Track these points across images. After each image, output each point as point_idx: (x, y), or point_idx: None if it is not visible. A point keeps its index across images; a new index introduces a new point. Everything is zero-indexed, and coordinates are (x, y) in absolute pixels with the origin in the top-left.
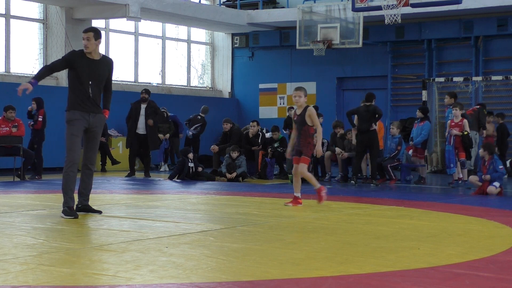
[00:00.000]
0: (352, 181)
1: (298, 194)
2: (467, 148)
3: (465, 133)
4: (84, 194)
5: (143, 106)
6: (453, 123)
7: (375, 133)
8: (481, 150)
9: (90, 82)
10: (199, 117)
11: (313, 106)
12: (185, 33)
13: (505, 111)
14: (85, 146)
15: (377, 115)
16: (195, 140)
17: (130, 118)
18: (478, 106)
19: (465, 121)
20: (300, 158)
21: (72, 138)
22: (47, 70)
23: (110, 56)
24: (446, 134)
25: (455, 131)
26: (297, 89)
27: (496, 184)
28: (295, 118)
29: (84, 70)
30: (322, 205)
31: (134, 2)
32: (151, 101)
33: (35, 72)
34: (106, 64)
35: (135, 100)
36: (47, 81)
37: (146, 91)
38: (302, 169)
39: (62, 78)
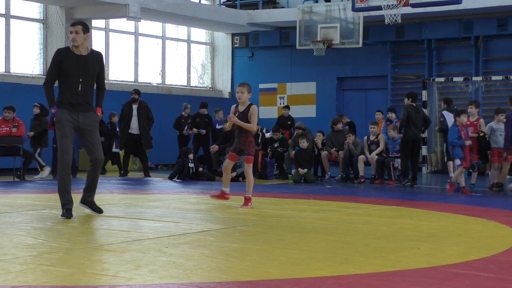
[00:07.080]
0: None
1: (227, 190)
2: (482, 151)
3: (481, 134)
4: (89, 190)
5: (135, 106)
6: (468, 122)
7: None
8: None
9: (81, 80)
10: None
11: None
12: (185, 33)
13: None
14: (87, 147)
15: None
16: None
17: (122, 120)
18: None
19: (482, 120)
20: (235, 155)
21: (63, 139)
22: (51, 86)
23: (111, 56)
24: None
25: (470, 133)
26: (240, 85)
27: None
28: (236, 115)
29: (73, 66)
30: (248, 208)
31: (134, 2)
32: (142, 101)
33: (35, 72)
34: (95, 59)
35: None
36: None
37: (136, 91)
38: (247, 169)
39: None
